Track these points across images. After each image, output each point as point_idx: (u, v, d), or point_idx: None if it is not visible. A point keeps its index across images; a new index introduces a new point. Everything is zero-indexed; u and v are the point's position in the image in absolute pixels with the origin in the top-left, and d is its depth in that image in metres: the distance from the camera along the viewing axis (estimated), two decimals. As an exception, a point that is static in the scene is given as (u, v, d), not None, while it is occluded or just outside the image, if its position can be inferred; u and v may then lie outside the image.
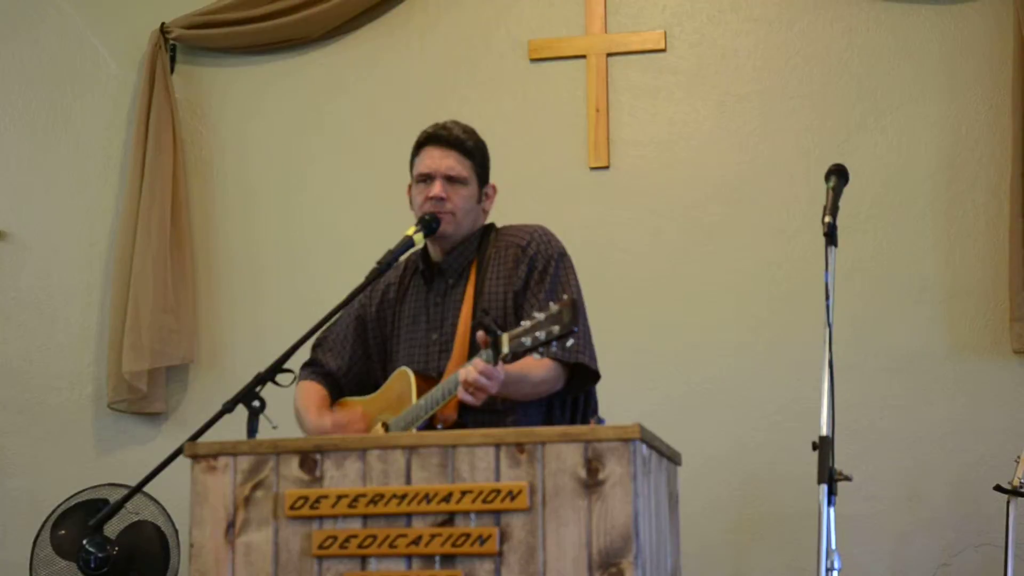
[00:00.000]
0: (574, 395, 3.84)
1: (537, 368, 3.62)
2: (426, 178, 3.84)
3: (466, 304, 3.80)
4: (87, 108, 6.08)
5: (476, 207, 3.89)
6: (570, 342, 3.21)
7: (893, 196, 5.47)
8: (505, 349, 3.31)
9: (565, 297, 3.23)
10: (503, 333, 3.33)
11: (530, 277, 3.77)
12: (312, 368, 4.05)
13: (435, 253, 3.92)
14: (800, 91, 5.60)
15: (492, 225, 3.98)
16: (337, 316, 3.90)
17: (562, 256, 3.85)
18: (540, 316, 3.24)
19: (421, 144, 3.89)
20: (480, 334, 3.39)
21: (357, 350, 4.01)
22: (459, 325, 3.78)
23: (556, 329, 3.19)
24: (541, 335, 3.22)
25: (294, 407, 3.96)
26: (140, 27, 6.01)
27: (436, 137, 3.86)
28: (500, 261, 3.83)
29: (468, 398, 3.44)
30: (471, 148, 3.87)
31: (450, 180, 3.82)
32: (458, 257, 3.87)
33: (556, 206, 5.64)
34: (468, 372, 3.41)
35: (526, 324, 3.27)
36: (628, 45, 5.72)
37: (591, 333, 3.82)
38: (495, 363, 3.36)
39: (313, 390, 3.99)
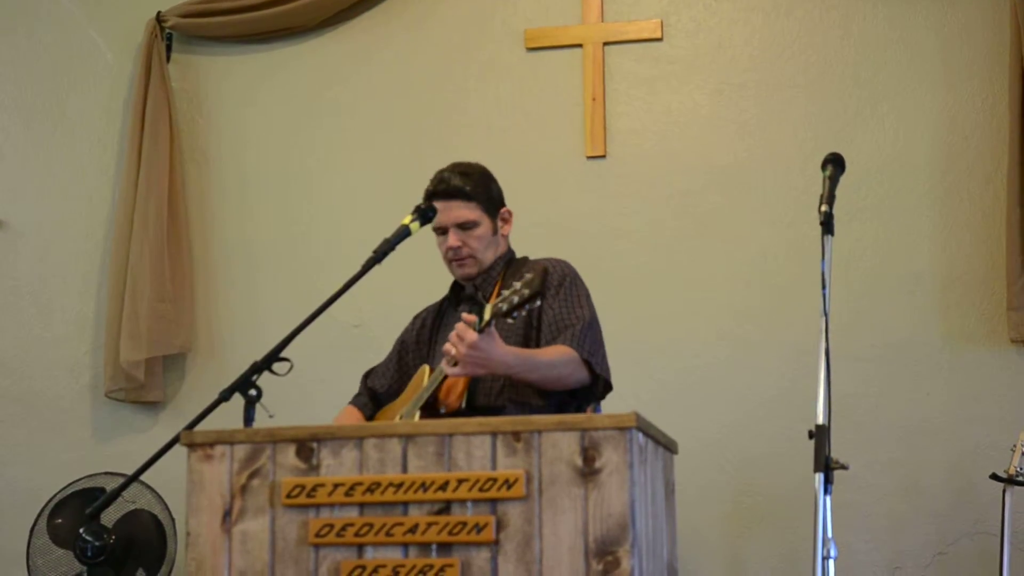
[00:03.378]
0: (591, 403, 3.96)
1: (551, 352, 3.78)
2: (441, 231, 4.05)
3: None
4: (83, 98, 6.08)
5: (494, 238, 4.08)
6: (537, 303, 3.46)
7: (890, 185, 5.47)
8: (488, 316, 3.50)
9: (538, 267, 3.46)
10: (488, 304, 3.53)
11: (545, 292, 3.91)
12: (356, 396, 4.30)
13: (466, 282, 4.13)
14: (797, 80, 5.60)
15: (524, 259, 4.15)
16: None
17: (576, 277, 4.03)
18: (516, 284, 3.46)
19: (428, 199, 4.06)
20: (464, 313, 3.63)
21: (398, 372, 4.23)
22: None
23: (526, 292, 3.42)
24: (515, 299, 3.43)
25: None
26: (136, 16, 6.00)
27: (437, 192, 4.04)
28: None
29: (450, 356, 3.60)
30: (471, 191, 4.03)
31: (461, 228, 4.01)
32: (481, 284, 4.07)
33: (553, 195, 5.65)
34: (452, 333, 3.60)
35: (505, 292, 3.49)
36: (624, 34, 5.72)
37: (606, 350, 3.96)
38: (479, 330, 3.52)
39: (347, 415, 4.21)
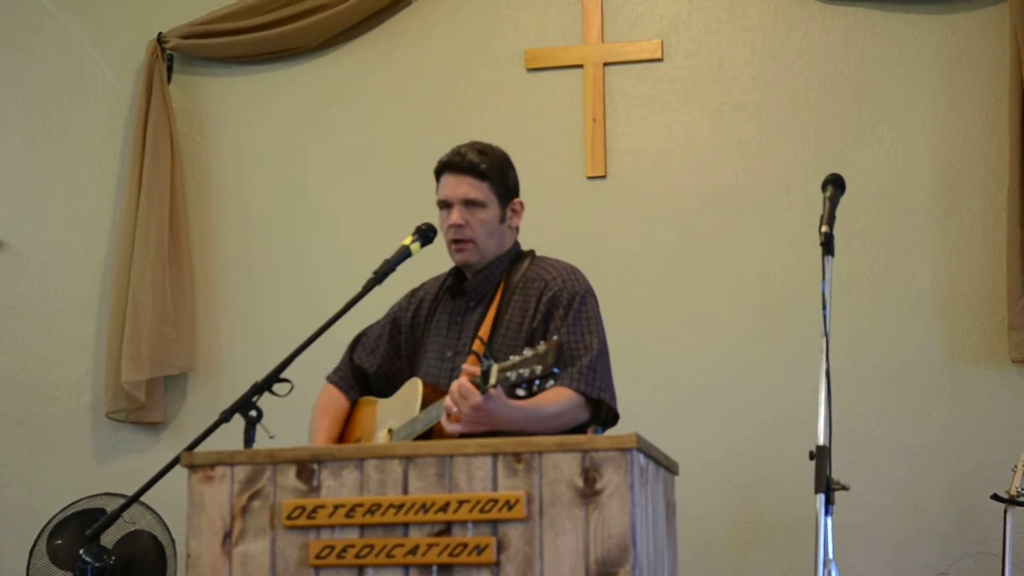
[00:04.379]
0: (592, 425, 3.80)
1: (554, 400, 3.61)
2: (445, 205, 3.87)
3: (483, 329, 3.81)
4: (84, 118, 6.08)
5: (500, 228, 3.89)
6: (550, 383, 3.22)
7: (890, 205, 5.48)
8: (493, 380, 3.30)
9: (554, 338, 3.25)
10: (494, 364, 3.31)
11: (553, 312, 3.76)
12: (340, 370, 4.11)
13: (465, 271, 3.94)
14: (797, 100, 5.61)
15: (530, 253, 3.99)
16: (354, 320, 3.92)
17: (588, 294, 3.84)
18: (528, 353, 3.25)
19: (438, 172, 3.91)
20: (465, 365, 3.44)
21: (389, 351, 4.06)
22: (473, 347, 3.77)
23: (538, 369, 3.20)
24: (525, 372, 3.22)
25: (313, 411, 4.01)
26: (137, 37, 6.01)
27: (450, 164, 3.87)
28: (524, 293, 3.84)
29: (450, 427, 3.44)
30: (486, 170, 3.85)
31: (467, 205, 3.83)
32: (483, 280, 3.90)
33: (553, 215, 5.65)
34: (453, 386, 3.42)
35: (515, 359, 3.27)
36: (625, 55, 5.73)
37: (612, 375, 3.81)
38: (483, 391, 3.34)
39: (332, 403, 4.05)
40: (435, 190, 3.94)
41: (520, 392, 3.28)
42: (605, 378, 3.74)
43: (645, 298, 5.58)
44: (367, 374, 4.08)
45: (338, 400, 4.07)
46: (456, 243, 3.85)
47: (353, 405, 4.08)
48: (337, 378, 4.12)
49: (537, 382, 3.21)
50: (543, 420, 3.56)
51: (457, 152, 3.89)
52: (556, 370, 3.18)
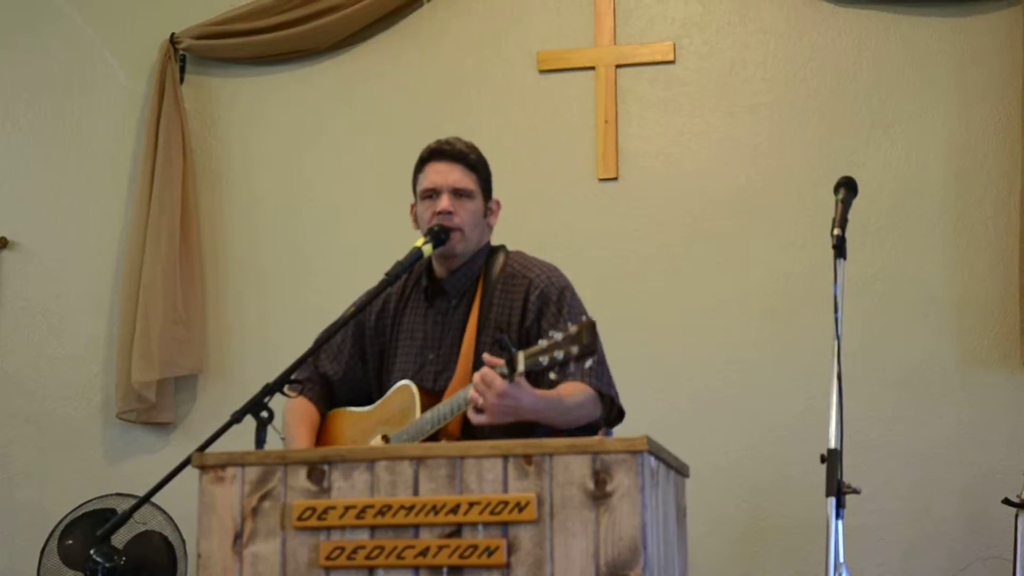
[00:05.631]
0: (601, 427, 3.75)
1: (574, 392, 3.56)
2: (432, 193, 3.80)
3: (470, 327, 3.75)
4: (96, 118, 6.09)
5: (482, 222, 3.85)
6: (588, 363, 3.19)
7: (902, 208, 5.47)
8: (521, 367, 3.27)
9: (584, 318, 3.20)
10: (519, 351, 3.28)
11: (545, 308, 3.71)
12: (308, 380, 3.92)
13: (439, 269, 3.87)
14: (809, 103, 5.60)
15: (502, 248, 3.92)
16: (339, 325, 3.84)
17: (573, 290, 3.80)
18: (558, 336, 3.20)
19: (425, 160, 3.85)
20: (486, 355, 3.37)
21: (354, 355, 3.96)
22: (463, 346, 3.73)
23: (575, 349, 3.16)
24: (559, 354, 3.19)
25: (284, 420, 3.86)
26: (150, 37, 6.02)
27: (440, 152, 3.83)
28: (507, 289, 3.79)
29: (477, 405, 3.37)
30: (475, 162, 3.84)
31: (457, 194, 3.78)
32: (462, 277, 3.83)
33: (564, 217, 5.65)
34: (477, 377, 3.37)
35: (543, 343, 3.23)
36: (637, 57, 5.73)
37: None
38: (511, 379, 3.30)
39: (306, 411, 3.90)
40: (413, 182, 3.89)
41: (552, 376, 3.25)
42: (610, 376, 3.72)
43: (656, 300, 5.58)
44: (331, 382, 3.97)
45: (310, 409, 3.92)
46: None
47: (323, 418, 3.95)
48: (306, 389, 3.90)
49: (572, 363, 3.18)
50: (568, 410, 3.53)
51: (446, 141, 3.85)
52: (595, 350, 3.14)
